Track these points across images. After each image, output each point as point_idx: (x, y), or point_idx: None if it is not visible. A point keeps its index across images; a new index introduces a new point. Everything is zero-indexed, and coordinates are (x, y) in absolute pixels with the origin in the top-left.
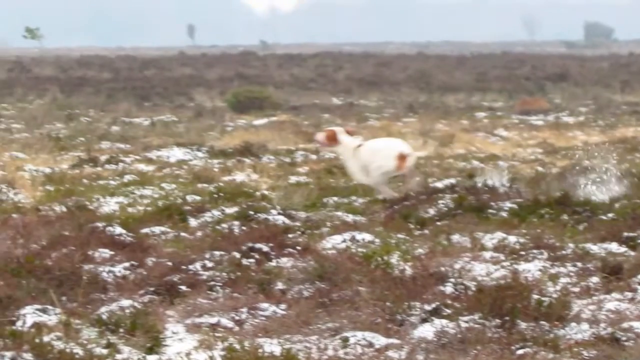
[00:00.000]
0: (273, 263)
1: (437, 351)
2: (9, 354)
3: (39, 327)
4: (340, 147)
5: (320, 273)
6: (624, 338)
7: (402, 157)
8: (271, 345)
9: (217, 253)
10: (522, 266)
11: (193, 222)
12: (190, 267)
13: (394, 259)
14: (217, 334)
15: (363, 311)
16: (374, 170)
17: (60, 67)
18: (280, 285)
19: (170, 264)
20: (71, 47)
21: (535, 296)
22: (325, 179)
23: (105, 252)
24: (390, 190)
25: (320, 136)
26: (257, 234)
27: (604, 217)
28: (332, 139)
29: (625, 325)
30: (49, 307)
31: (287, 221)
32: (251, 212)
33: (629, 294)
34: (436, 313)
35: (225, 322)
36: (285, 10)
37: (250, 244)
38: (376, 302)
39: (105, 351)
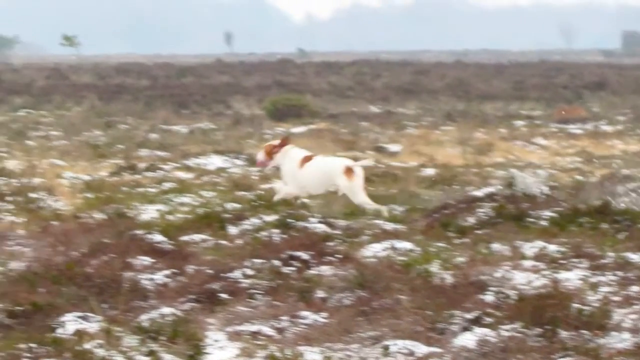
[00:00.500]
0: (313, 271)
1: None
2: None
3: (80, 334)
4: (280, 155)
5: (361, 281)
6: None
7: (348, 171)
8: (312, 354)
9: (257, 261)
10: (562, 275)
11: (232, 230)
12: (231, 275)
13: (434, 267)
14: (258, 342)
15: (404, 319)
16: (345, 191)
17: (98, 74)
18: (320, 294)
19: (210, 271)
20: (109, 54)
21: (576, 305)
22: (365, 187)
23: (146, 260)
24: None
25: (260, 156)
26: (296, 242)
27: None
28: (271, 152)
29: None
30: (90, 314)
31: (326, 229)
32: (291, 220)
33: None
34: (477, 322)
35: (266, 330)
36: (322, 17)
37: (290, 252)
38: (417, 310)
39: (146, 359)
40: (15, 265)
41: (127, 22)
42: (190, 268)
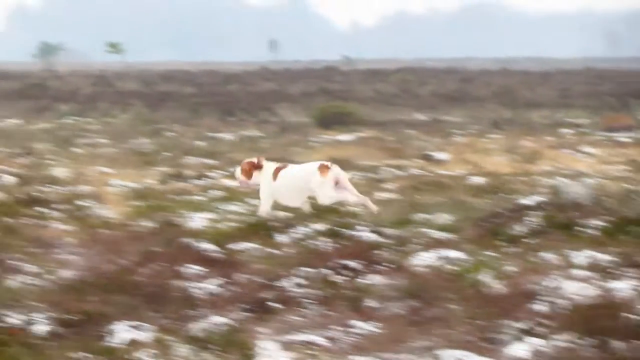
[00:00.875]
0: (363, 280)
1: None
2: None
3: (133, 343)
4: (258, 173)
5: (412, 290)
6: None
7: (323, 168)
8: None
9: (306, 270)
10: (613, 284)
11: (281, 238)
12: (281, 283)
13: (485, 276)
14: (309, 352)
15: (455, 329)
16: (315, 188)
17: (143, 81)
18: (371, 303)
19: (260, 280)
20: (153, 61)
21: (627, 315)
22: (413, 195)
23: (195, 268)
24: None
25: (239, 176)
26: (346, 251)
27: None
28: (249, 171)
29: None
30: (140, 323)
31: (376, 238)
32: (339, 229)
33: None
34: (529, 332)
35: (317, 339)
36: (367, 24)
37: (339, 261)
38: (468, 320)
39: None
40: (65, 273)
41: (171, 29)
42: (240, 277)
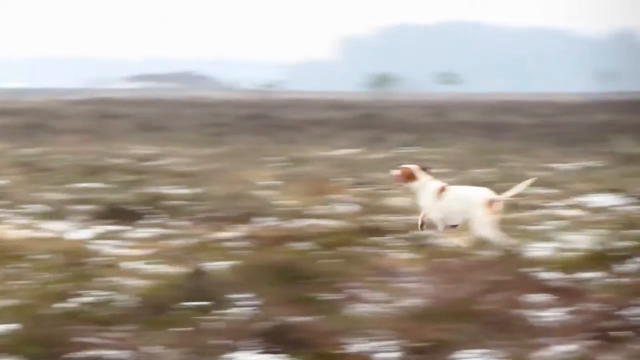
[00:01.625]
0: None
1: None
2: None
3: None
4: (416, 183)
5: None
6: None
7: (490, 203)
8: None
9: None
10: None
11: (624, 267)
12: (623, 312)
13: None
14: None
15: None
16: (476, 221)
17: (479, 111)
18: None
19: (603, 309)
20: (483, 92)
21: None
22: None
23: (537, 297)
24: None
25: (395, 172)
26: None
27: None
28: (409, 177)
29: None
30: (487, 351)
31: None
32: None
33: None
34: None
35: None
36: None
37: None
38: None
39: None
40: (407, 301)
41: (502, 61)
42: (582, 305)
